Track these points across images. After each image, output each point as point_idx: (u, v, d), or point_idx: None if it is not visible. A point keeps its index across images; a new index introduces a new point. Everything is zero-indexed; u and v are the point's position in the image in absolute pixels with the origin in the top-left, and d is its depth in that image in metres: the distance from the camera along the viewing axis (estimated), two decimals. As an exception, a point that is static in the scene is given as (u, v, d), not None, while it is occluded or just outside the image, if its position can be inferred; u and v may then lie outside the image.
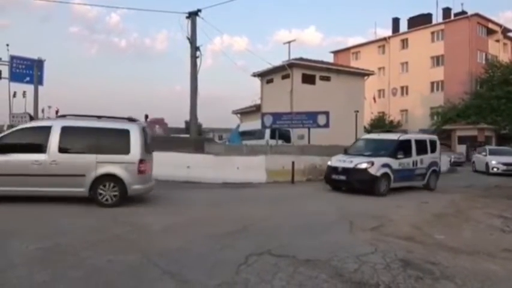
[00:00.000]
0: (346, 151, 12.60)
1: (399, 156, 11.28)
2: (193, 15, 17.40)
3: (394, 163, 11.17)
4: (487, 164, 20.10)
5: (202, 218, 7.26)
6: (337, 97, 25.73)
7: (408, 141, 12.15)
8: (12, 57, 23.42)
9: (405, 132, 13.52)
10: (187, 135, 21.33)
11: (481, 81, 36.83)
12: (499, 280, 4.48)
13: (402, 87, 44.33)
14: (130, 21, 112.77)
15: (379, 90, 45.49)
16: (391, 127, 41.26)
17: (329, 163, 11.96)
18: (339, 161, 11.59)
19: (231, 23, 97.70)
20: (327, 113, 17.77)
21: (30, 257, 4.61)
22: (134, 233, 5.97)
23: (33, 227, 6.10)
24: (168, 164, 12.88)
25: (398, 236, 6.31)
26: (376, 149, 11.96)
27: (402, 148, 11.62)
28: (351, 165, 10.96)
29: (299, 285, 4.02)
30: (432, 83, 41.36)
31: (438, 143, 13.43)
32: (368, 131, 39.77)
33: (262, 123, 18.35)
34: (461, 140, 33.40)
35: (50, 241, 5.27)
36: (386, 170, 10.94)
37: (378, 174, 10.72)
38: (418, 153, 12.08)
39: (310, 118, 17.83)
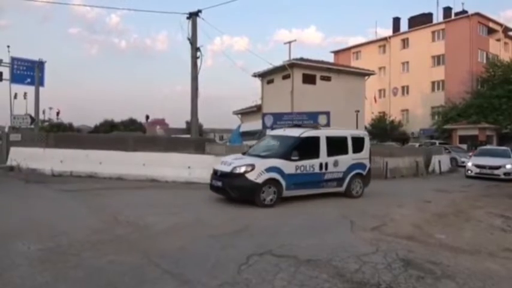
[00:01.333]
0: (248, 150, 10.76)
1: (294, 157, 9.14)
2: (193, 15, 17.41)
3: (288, 166, 9.03)
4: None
5: (203, 218, 7.27)
6: (338, 97, 25.75)
7: (314, 139, 9.82)
8: (13, 59, 23.44)
9: (315, 127, 10.99)
10: (188, 136, 21.34)
11: (482, 80, 36.83)
12: (500, 279, 4.49)
13: (403, 87, 44.35)
14: (130, 21, 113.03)
15: (380, 90, 45.51)
16: (392, 127, 41.31)
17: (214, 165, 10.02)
18: (222, 163, 9.59)
19: (231, 23, 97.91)
20: (327, 113, 17.77)
21: (32, 258, 4.63)
22: (135, 234, 5.98)
23: (35, 228, 6.11)
24: (169, 165, 12.93)
25: (399, 235, 6.31)
26: (275, 148, 10.04)
27: (303, 147, 9.46)
28: (228, 169, 9.01)
29: (300, 285, 4.03)
30: (433, 83, 41.38)
31: (367, 140, 10.95)
32: (368, 131, 40.03)
33: (263, 123, 18.34)
34: (463, 139, 33.38)
35: (51, 242, 5.29)
36: (274, 175, 8.81)
37: (259, 180, 8.60)
38: (331, 153, 9.85)
39: (311, 118, 17.82)
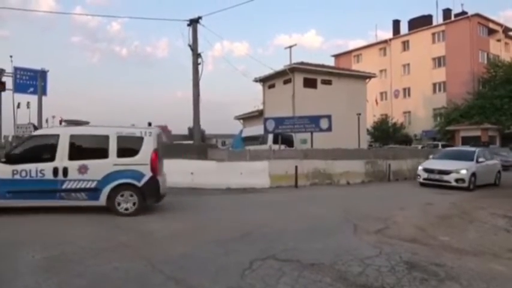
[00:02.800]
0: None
1: (2, 159, 7.80)
2: (194, 22, 17.55)
3: (0, 170, 7.62)
4: None
5: (207, 224, 7.29)
6: (339, 100, 25.77)
7: (49, 138, 8.16)
8: (16, 69, 23.66)
9: (77, 124, 8.57)
10: (191, 142, 21.40)
11: (484, 81, 36.84)
12: (505, 280, 4.47)
13: (404, 89, 44.37)
14: (131, 29, 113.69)
15: (381, 93, 45.56)
16: (394, 129, 41.27)
17: None
18: None
19: (231, 28, 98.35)
20: (329, 117, 17.79)
21: (37, 266, 4.66)
22: (139, 240, 6.00)
23: (39, 236, 6.14)
24: (172, 171, 12.92)
25: (402, 238, 6.30)
26: None
27: (31, 148, 8.10)
28: None
29: (304, 289, 4.03)
30: (434, 84, 41.38)
31: (148, 140, 8.31)
32: (371, 134, 39.99)
33: (265, 128, 18.40)
34: (465, 140, 33.30)
35: (56, 250, 5.31)
36: None
37: None
38: (79, 156, 7.92)
39: (313, 122, 17.87)
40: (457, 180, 13.18)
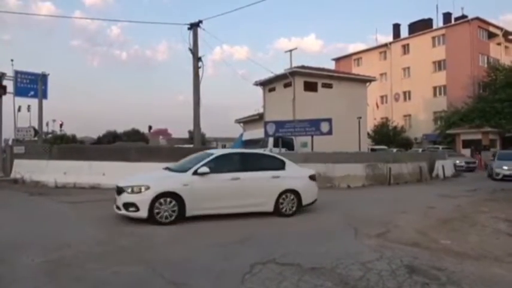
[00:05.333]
0: None
1: None
2: (194, 26, 17.58)
3: None
4: None
5: (207, 227, 7.26)
6: (340, 104, 25.81)
7: None
8: (17, 72, 23.65)
9: None
10: (191, 145, 21.40)
11: (484, 84, 36.86)
12: (507, 285, 4.46)
13: (405, 93, 44.41)
14: (131, 33, 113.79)
15: (382, 96, 45.60)
16: (395, 133, 41.30)
17: None
18: None
19: (231, 32, 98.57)
20: (329, 120, 17.83)
21: (37, 270, 4.64)
22: (139, 244, 5.98)
23: (39, 240, 6.12)
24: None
25: (403, 242, 6.28)
26: None
27: None
28: None
29: (304, 293, 4.01)
30: (435, 88, 41.42)
31: None
32: (371, 137, 40.02)
33: (265, 131, 18.44)
34: (466, 144, 33.30)
35: (55, 254, 5.29)
36: None
37: None
38: None
39: (313, 125, 17.91)
40: (126, 206, 7.46)
